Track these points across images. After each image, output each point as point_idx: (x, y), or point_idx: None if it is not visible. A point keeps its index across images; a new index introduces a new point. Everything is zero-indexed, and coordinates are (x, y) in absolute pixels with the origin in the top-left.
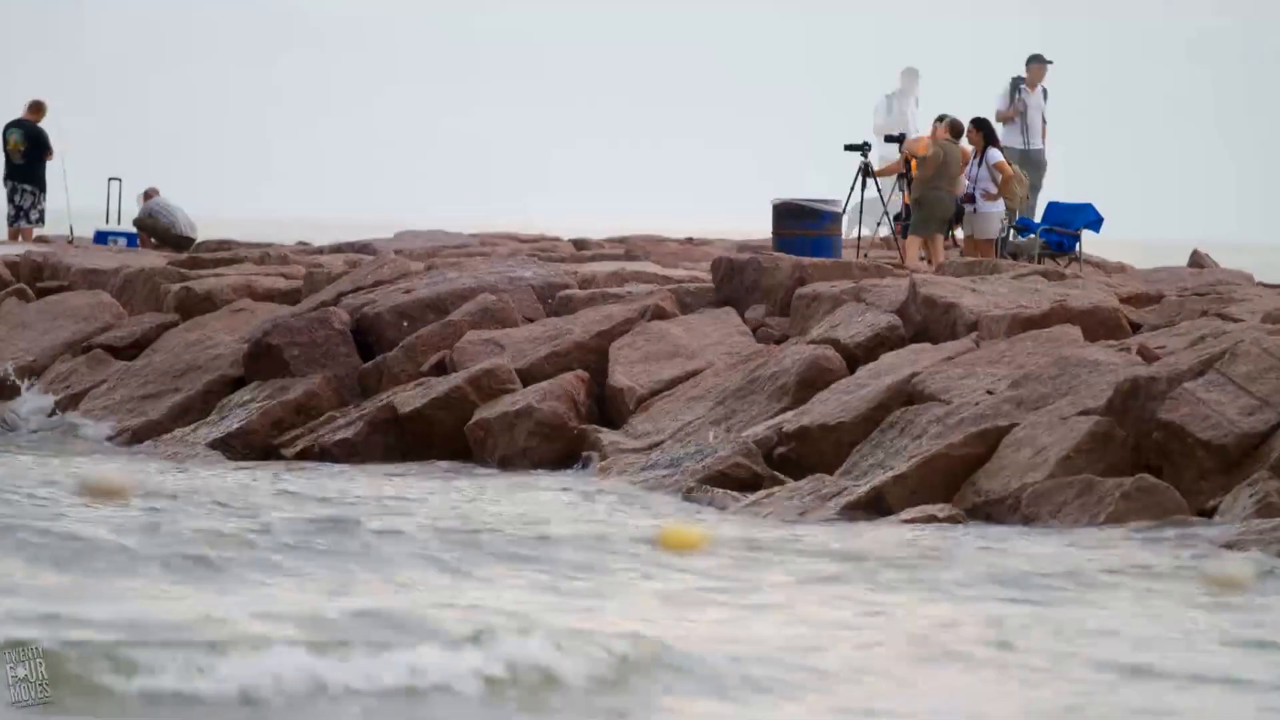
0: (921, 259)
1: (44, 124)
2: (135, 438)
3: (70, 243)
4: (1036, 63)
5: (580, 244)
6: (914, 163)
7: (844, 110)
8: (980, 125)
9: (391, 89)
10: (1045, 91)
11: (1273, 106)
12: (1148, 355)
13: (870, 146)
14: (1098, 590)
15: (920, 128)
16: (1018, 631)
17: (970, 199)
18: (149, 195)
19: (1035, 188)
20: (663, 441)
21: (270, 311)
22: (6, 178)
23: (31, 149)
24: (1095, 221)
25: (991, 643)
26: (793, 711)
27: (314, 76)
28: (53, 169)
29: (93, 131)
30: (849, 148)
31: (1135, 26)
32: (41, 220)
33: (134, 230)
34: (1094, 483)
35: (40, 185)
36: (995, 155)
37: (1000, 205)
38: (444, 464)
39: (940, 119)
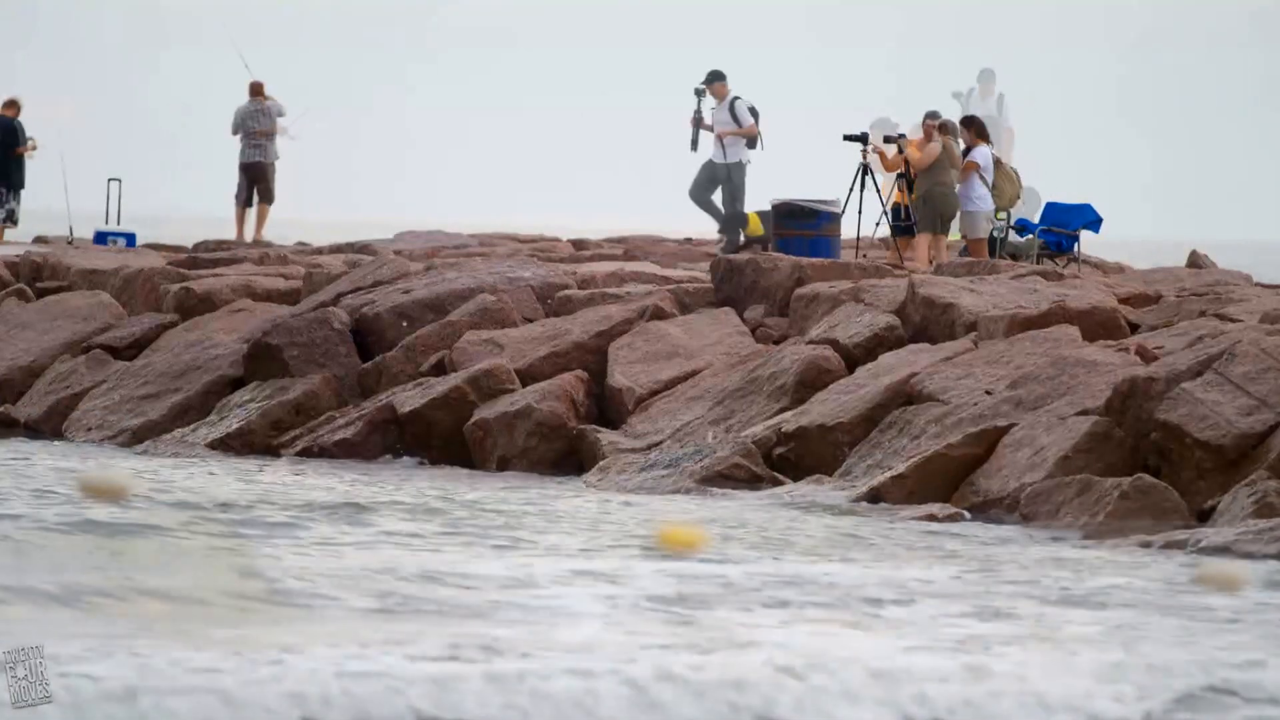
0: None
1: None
2: (135, 438)
3: (70, 243)
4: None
5: (579, 244)
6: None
7: (844, 111)
8: (969, 123)
9: (391, 89)
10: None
11: (1273, 107)
12: (1146, 355)
13: (869, 136)
14: None
15: (1011, 126)
16: None
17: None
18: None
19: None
20: (662, 442)
21: (270, 311)
22: None
23: None
24: (1094, 222)
25: None
26: None
27: (313, 76)
28: (53, 170)
29: (92, 131)
30: (848, 138)
31: (1137, 27)
32: (11, 220)
33: (133, 231)
34: (1092, 482)
35: (7, 184)
36: (984, 152)
37: (987, 205)
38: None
39: (931, 115)
